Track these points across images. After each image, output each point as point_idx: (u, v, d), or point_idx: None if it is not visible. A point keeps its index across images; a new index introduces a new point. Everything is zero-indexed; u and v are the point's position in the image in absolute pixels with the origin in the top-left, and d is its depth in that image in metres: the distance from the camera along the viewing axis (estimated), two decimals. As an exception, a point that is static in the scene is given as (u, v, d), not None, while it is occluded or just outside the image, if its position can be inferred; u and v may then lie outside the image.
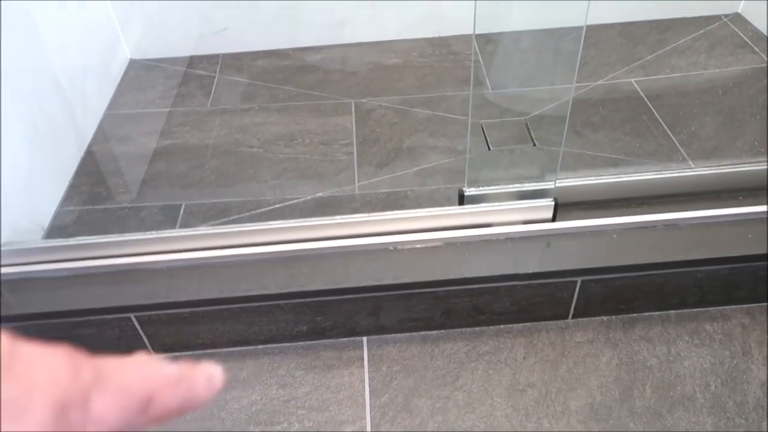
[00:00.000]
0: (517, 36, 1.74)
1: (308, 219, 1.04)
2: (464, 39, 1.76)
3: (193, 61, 1.74)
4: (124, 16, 1.66)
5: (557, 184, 1.05)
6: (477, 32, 1.76)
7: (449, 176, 1.34)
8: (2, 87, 1.12)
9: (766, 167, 1.05)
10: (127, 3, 1.64)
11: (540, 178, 1.07)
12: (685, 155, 1.34)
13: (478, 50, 1.71)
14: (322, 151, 1.42)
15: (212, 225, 1.24)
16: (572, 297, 1.01)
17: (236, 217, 1.26)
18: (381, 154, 1.41)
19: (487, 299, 1.01)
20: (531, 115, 1.49)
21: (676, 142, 1.38)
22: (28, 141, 1.20)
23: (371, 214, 1.03)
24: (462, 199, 1.05)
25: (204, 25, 1.71)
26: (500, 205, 1.03)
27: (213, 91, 1.63)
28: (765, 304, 1.09)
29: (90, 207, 1.30)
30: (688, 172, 1.07)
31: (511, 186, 1.05)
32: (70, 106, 1.38)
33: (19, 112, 1.18)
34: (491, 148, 1.42)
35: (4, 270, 1.02)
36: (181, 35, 1.72)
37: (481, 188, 1.05)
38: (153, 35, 1.71)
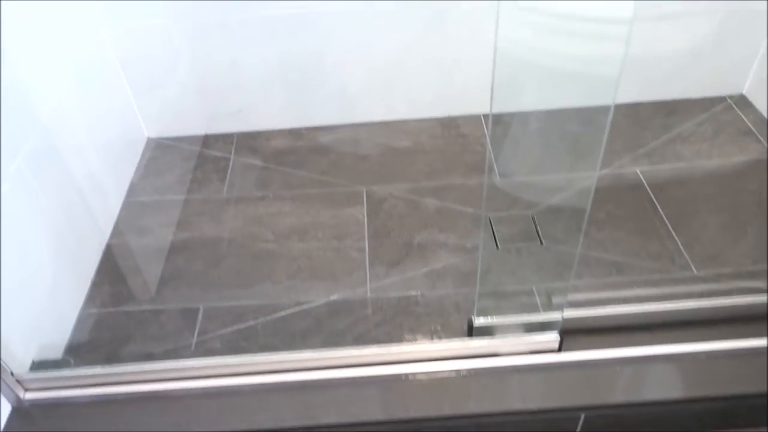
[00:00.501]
0: (528, 117, 1.78)
1: (321, 350, 1.08)
2: (473, 120, 1.80)
3: (208, 140, 1.79)
4: (143, 98, 1.71)
5: (564, 315, 1.09)
6: (484, 112, 1.81)
7: (459, 279, 1.38)
8: (30, 206, 1.17)
9: (766, 299, 1.09)
10: (145, 86, 1.69)
11: (547, 306, 1.11)
12: (689, 260, 1.37)
13: (488, 134, 1.75)
14: (334, 246, 1.46)
15: (229, 329, 1.29)
16: (576, 430, 1.05)
17: (252, 323, 1.31)
18: (392, 251, 1.45)
19: None
20: (540, 207, 1.53)
21: (679, 243, 1.41)
22: (53, 252, 1.25)
23: (383, 346, 1.08)
24: (471, 329, 1.10)
25: (219, 106, 1.75)
26: (508, 338, 1.07)
27: (228, 175, 1.67)
28: (765, 429, 1.13)
29: (111, 309, 1.35)
30: (691, 304, 1.11)
31: (518, 317, 1.09)
32: (92, 204, 1.43)
33: (45, 227, 1.23)
34: (499, 246, 1.46)
35: (27, 395, 1.07)
36: (197, 115, 1.76)
37: (489, 319, 1.09)
38: (169, 115, 1.76)
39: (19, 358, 1.10)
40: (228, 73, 1.67)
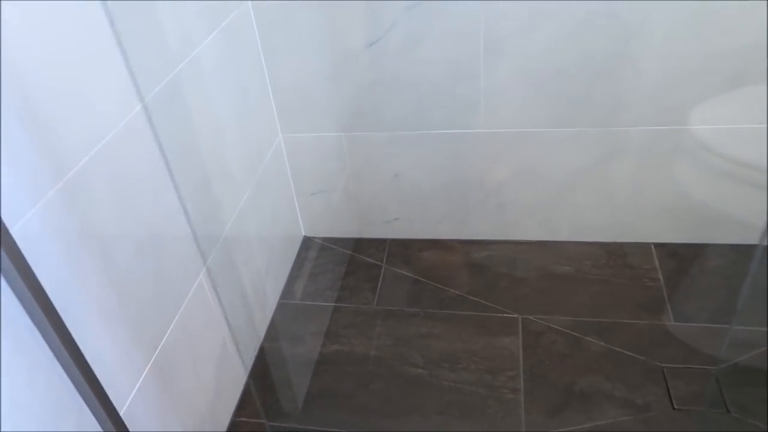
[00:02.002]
0: (718, 250, 1.62)
1: None
2: (641, 248, 1.66)
3: (361, 244, 1.80)
4: (305, 200, 1.77)
5: None
6: (653, 241, 1.66)
7: (629, 444, 1.23)
8: (206, 319, 1.22)
9: None
10: (309, 190, 1.75)
11: None
12: None
13: (659, 267, 1.60)
14: (487, 382, 1.38)
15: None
16: None
17: (399, 461, 1.24)
18: (551, 397, 1.33)
19: None
20: (726, 364, 1.35)
21: None
22: (218, 364, 1.28)
23: None
24: None
25: (376, 214, 1.76)
26: None
27: (379, 285, 1.66)
28: None
29: (260, 421, 1.35)
30: None
31: None
32: (253, 308, 1.47)
33: (213, 337, 1.26)
34: (675, 405, 1.29)
35: None
36: (353, 219, 1.79)
37: None
38: (327, 217, 1.80)
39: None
40: (389, 184, 1.69)
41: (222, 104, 1.30)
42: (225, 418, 1.33)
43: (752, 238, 1.60)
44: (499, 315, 1.53)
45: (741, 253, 1.60)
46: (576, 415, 1.29)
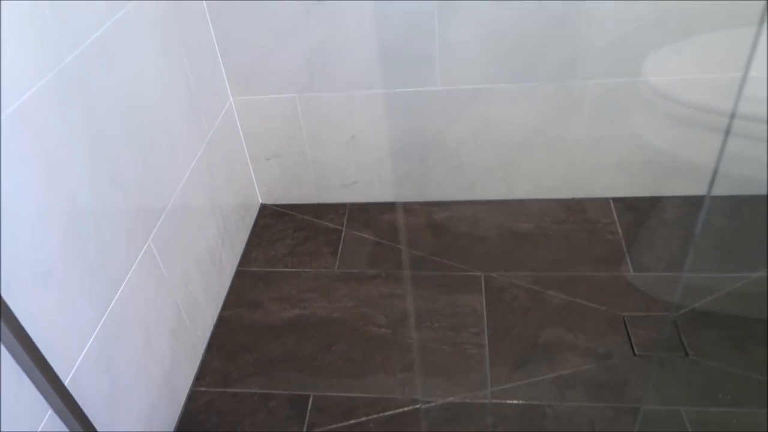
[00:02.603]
0: (665, 204, 1.64)
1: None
2: (600, 203, 1.67)
3: (320, 210, 1.76)
4: (261, 166, 1.72)
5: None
6: (612, 196, 1.68)
7: (591, 390, 1.23)
8: (156, 288, 1.16)
9: None
10: (264, 155, 1.69)
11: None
12: None
13: (618, 220, 1.61)
14: (451, 339, 1.37)
15: (340, 424, 1.21)
16: None
17: (364, 419, 1.22)
18: (514, 350, 1.33)
19: None
20: (683, 310, 1.37)
21: None
22: (172, 333, 1.23)
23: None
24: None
25: (334, 177, 1.73)
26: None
27: (340, 249, 1.63)
28: None
29: (221, 389, 1.31)
30: None
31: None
32: (209, 275, 1.42)
33: (167, 306, 1.22)
34: (636, 352, 1.31)
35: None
36: (311, 184, 1.75)
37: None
38: (284, 183, 1.76)
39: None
40: (346, 146, 1.65)
41: (164, 66, 1.23)
42: (183, 388, 1.29)
43: (704, 190, 1.63)
44: (461, 274, 1.52)
45: (694, 204, 1.62)
46: (540, 366, 1.29)
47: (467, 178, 1.68)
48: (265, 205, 1.80)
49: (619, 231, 1.58)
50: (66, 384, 0.90)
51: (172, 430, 1.23)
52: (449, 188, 1.71)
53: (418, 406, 1.24)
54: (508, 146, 1.61)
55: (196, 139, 1.38)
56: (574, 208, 1.67)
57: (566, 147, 1.60)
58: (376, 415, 1.23)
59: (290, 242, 1.67)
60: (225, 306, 1.50)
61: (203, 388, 1.32)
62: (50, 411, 0.87)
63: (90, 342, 0.96)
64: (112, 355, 1.02)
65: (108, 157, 1.02)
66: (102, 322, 0.99)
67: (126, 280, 1.06)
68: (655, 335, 1.34)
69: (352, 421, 1.22)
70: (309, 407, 1.26)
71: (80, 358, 0.94)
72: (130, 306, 1.07)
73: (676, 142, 1.54)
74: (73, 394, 0.90)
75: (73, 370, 0.92)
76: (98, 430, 0.95)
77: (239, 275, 1.58)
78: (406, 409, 1.24)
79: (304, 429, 1.22)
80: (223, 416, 1.26)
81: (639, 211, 1.63)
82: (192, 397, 1.30)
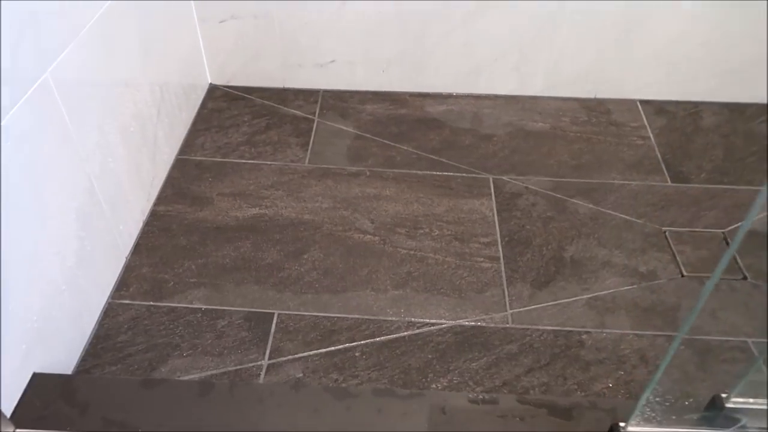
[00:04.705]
0: (709, 108, 1.37)
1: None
2: (626, 105, 1.39)
3: (286, 95, 1.40)
4: (211, 32, 1.33)
5: None
6: (639, 98, 1.41)
7: (635, 315, 0.97)
8: (63, 151, 0.80)
9: None
10: (217, 16, 1.31)
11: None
12: None
13: (647, 124, 1.34)
14: (456, 250, 1.07)
15: (314, 351, 0.90)
16: None
17: (347, 345, 0.92)
18: (536, 265, 1.05)
19: None
20: (733, 226, 1.12)
21: None
22: (80, 216, 0.87)
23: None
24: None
25: (306, 53, 1.36)
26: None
27: (312, 141, 1.29)
28: None
29: (149, 303, 0.97)
30: None
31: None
32: (138, 154, 1.05)
33: (73, 177, 0.85)
34: (685, 273, 1.06)
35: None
36: (275, 62, 1.38)
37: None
38: (242, 59, 1.38)
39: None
40: (327, 11, 1.28)
41: None
42: (97, 298, 0.94)
43: (749, 97, 1.38)
44: (464, 175, 1.22)
45: (734, 111, 1.38)
46: (570, 286, 1.02)
47: (472, 62, 1.36)
48: (216, 86, 1.42)
49: (651, 136, 1.32)
50: None
51: (80, 351, 0.89)
52: (449, 77, 1.39)
53: (417, 330, 0.95)
54: (530, 21, 1.29)
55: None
56: (597, 108, 1.39)
57: (597, 29, 1.30)
58: (362, 341, 0.93)
59: (247, 130, 1.31)
60: (160, 199, 1.14)
61: (126, 301, 0.97)
62: None
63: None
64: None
65: None
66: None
67: (6, 122, 0.69)
68: (704, 254, 1.09)
69: (331, 348, 0.92)
70: (272, 329, 0.94)
71: None
72: (12, 162, 0.70)
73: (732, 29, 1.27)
74: None
75: None
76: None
77: (180, 164, 1.22)
78: (403, 334, 0.94)
79: (266, 356, 0.90)
80: (151, 337, 0.92)
81: (672, 116, 1.37)
82: (109, 312, 0.95)
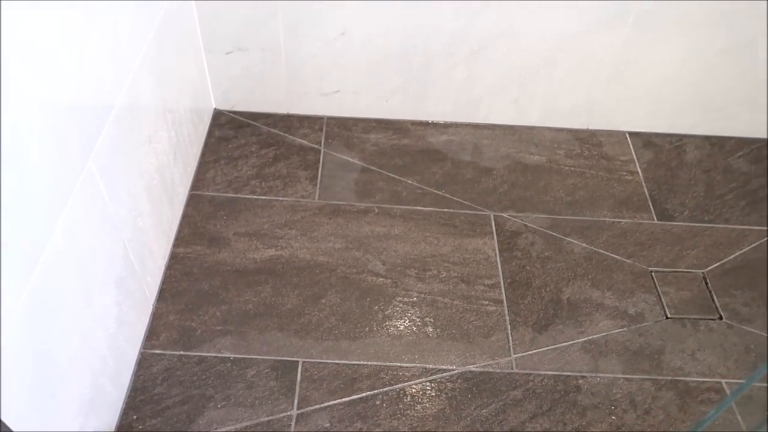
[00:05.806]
0: (693, 141, 1.46)
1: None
2: (616, 137, 1.47)
3: (291, 122, 1.43)
4: (218, 61, 1.34)
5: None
6: (628, 130, 1.48)
7: (626, 358, 1.08)
8: (98, 217, 0.83)
9: None
10: (224, 48, 1.31)
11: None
12: None
13: (636, 158, 1.42)
14: (463, 293, 1.15)
15: (338, 400, 0.98)
16: None
17: (369, 394, 1.00)
18: (536, 308, 1.14)
19: None
20: (713, 266, 1.23)
21: None
22: (119, 284, 0.91)
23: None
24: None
25: (312, 82, 1.39)
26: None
27: (320, 174, 1.33)
28: None
29: (179, 353, 1.02)
30: None
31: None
32: (160, 204, 1.09)
33: (113, 251, 0.89)
34: (669, 315, 1.17)
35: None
36: (280, 88, 1.40)
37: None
38: (246, 84, 1.39)
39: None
40: (332, 44, 1.30)
41: None
42: (131, 351, 0.99)
43: (729, 131, 1.47)
44: (468, 212, 1.29)
45: (715, 145, 1.47)
46: (566, 329, 1.12)
47: (473, 94, 1.41)
48: (220, 111, 1.44)
49: (639, 171, 1.40)
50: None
51: (120, 405, 0.95)
52: (450, 106, 1.44)
53: (432, 377, 1.03)
54: (530, 60, 1.34)
55: (142, 22, 0.99)
56: (589, 140, 1.46)
57: (593, 68, 1.36)
58: (383, 389, 1.01)
59: (256, 161, 1.34)
60: (178, 240, 1.18)
61: (158, 351, 1.02)
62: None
63: (10, 321, 0.64)
64: (39, 332, 0.70)
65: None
66: (27, 290, 0.66)
67: (59, 222, 0.72)
68: (685, 295, 1.19)
69: (354, 396, 1.00)
70: (298, 377, 1.01)
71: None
72: (64, 258, 0.74)
73: (717, 74, 1.35)
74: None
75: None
76: (27, 440, 0.66)
77: (193, 201, 1.25)
78: (418, 381, 1.03)
79: (295, 405, 0.98)
80: (185, 389, 0.98)
81: (658, 149, 1.45)
82: (143, 362, 1.01)
